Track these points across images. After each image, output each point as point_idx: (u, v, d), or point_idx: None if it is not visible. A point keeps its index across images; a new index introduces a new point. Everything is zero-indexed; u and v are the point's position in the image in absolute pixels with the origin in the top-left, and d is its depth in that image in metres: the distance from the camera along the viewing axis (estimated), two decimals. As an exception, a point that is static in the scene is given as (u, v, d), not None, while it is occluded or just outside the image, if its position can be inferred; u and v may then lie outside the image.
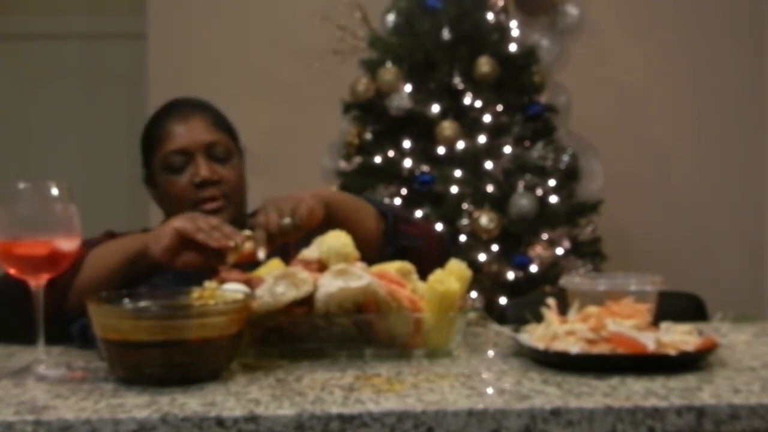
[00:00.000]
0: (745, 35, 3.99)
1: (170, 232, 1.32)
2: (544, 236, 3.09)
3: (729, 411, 0.94)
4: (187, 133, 1.63)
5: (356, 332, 1.19)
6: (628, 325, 1.13)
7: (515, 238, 3.06)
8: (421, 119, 3.11)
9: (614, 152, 3.57)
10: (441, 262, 1.29)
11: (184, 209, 1.61)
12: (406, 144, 3.11)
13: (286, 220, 1.35)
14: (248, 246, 1.32)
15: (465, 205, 3.03)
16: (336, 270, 1.18)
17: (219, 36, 3.88)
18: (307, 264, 1.25)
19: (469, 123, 3.10)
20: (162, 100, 1.73)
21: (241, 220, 1.67)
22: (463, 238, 3.01)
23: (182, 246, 1.33)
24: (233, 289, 1.18)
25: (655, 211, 3.93)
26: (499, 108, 3.14)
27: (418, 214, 3.03)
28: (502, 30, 3.21)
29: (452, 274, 1.25)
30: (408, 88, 3.11)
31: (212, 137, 1.65)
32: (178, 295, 1.18)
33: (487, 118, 3.11)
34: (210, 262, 1.33)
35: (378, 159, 3.12)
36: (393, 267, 1.28)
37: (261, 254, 1.32)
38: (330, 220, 1.41)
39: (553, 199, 3.13)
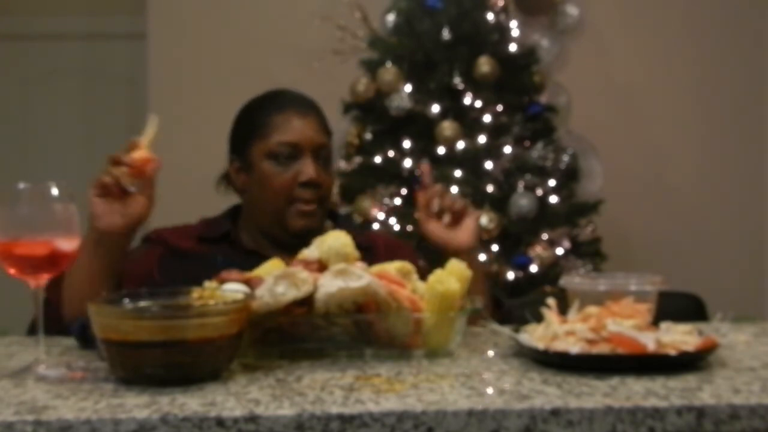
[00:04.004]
0: (745, 35, 3.99)
1: (91, 201, 1.37)
2: (544, 236, 3.09)
3: (729, 411, 0.94)
4: (304, 128, 1.63)
5: (356, 332, 1.19)
6: (628, 325, 1.12)
7: (515, 238, 3.06)
8: (421, 119, 3.11)
9: (614, 152, 3.57)
10: None
11: (279, 203, 1.61)
12: (406, 144, 3.11)
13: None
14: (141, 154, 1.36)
15: (465, 205, 3.03)
16: (336, 270, 1.18)
17: (219, 36, 3.87)
18: (307, 264, 1.25)
19: (469, 123, 3.10)
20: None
21: (322, 225, 1.68)
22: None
23: (109, 204, 1.37)
24: (233, 289, 1.18)
25: (655, 211, 3.93)
26: (499, 108, 3.14)
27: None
28: (502, 30, 3.21)
29: (452, 274, 1.25)
30: (408, 88, 3.11)
31: (323, 140, 1.65)
32: (178, 295, 1.18)
33: (487, 118, 3.11)
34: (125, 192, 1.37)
35: (378, 159, 3.12)
36: (393, 267, 1.28)
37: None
38: None
39: (553, 199, 3.13)
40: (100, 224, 1.38)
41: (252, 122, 1.67)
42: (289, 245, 1.61)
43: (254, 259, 1.50)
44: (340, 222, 1.77)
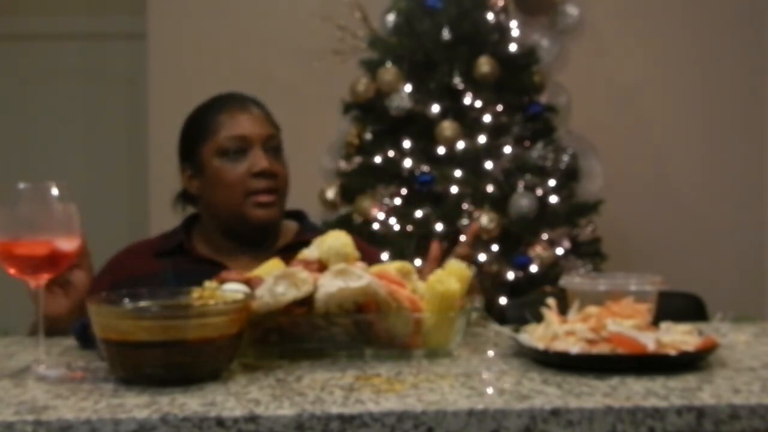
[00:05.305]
0: (745, 35, 3.99)
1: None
2: (544, 236, 3.09)
3: (729, 411, 0.94)
4: (248, 121, 1.65)
5: (356, 332, 1.19)
6: (628, 325, 1.12)
7: (515, 238, 3.06)
8: (421, 119, 3.10)
9: (614, 152, 3.57)
10: None
11: (236, 198, 1.62)
12: (406, 144, 3.11)
13: None
14: None
15: (465, 205, 3.03)
16: (336, 270, 1.18)
17: (219, 36, 3.87)
18: (307, 264, 1.25)
19: (469, 123, 3.10)
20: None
21: (282, 218, 1.70)
22: (463, 238, 3.00)
23: (49, 292, 1.34)
24: (233, 289, 1.18)
25: (655, 211, 3.93)
26: (499, 108, 3.14)
27: (418, 214, 3.03)
28: (502, 30, 3.21)
29: (452, 274, 1.25)
30: (408, 88, 3.11)
31: (271, 131, 1.67)
32: (178, 295, 1.18)
33: (487, 118, 3.11)
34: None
35: (378, 159, 3.12)
36: (393, 267, 1.28)
37: None
38: None
39: (553, 199, 3.13)
40: (47, 313, 1.24)
41: (198, 126, 1.68)
42: (251, 242, 1.66)
43: (207, 268, 1.51)
44: (306, 224, 1.78)
